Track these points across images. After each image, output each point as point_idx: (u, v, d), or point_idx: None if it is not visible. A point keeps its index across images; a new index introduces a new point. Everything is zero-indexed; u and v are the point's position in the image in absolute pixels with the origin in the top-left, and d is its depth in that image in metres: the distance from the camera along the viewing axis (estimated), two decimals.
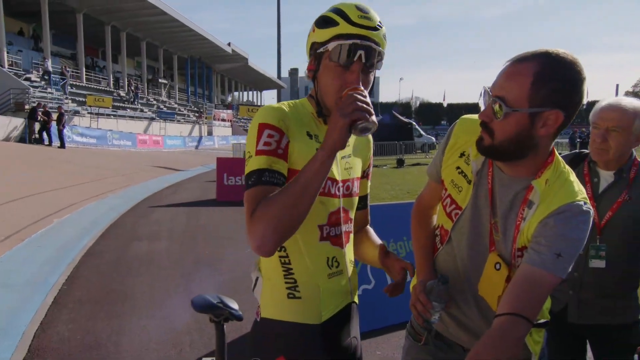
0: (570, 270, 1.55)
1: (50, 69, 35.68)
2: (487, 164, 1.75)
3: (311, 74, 1.73)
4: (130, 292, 6.13)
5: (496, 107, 1.57)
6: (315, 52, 1.68)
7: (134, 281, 6.57)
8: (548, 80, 1.51)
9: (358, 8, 1.63)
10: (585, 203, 1.59)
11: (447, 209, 1.86)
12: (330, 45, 1.62)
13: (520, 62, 1.55)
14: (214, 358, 2.60)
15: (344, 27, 1.61)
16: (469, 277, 1.80)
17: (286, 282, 1.73)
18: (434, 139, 45.84)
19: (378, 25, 1.64)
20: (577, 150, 2.71)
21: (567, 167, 1.70)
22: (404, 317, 4.92)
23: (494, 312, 1.62)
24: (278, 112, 1.67)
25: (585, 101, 1.56)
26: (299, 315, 1.73)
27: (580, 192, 1.62)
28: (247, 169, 1.62)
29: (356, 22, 1.61)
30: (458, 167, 1.82)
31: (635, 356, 2.36)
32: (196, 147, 45.15)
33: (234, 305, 2.44)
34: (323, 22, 1.66)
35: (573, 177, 1.67)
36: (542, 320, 1.76)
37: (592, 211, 1.60)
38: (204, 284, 6.50)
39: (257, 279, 1.80)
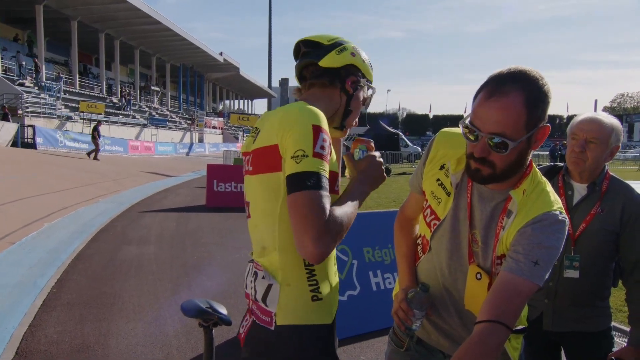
0: (547, 277, 1.59)
1: (43, 72, 35.63)
2: (467, 178, 1.79)
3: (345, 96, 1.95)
4: (119, 295, 6.15)
5: (495, 142, 1.58)
6: (358, 79, 1.95)
7: (123, 285, 6.59)
8: (538, 104, 1.57)
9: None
10: (560, 212, 1.63)
11: (427, 219, 1.91)
12: (371, 89, 2.03)
13: (506, 95, 1.56)
14: None
15: (370, 77, 2.02)
16: (449, 286, 1.85)
17: (310, 285, 1.72)
18: (419, 149, 46.04)
19: None
20: (551, 164, 2.78)
21: (543, 177, 1.75)
22: (388, 323, 4.99)
23: (474, 319, 1.65)
24: (323, 116, 1.70)
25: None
26: (322, 317, 1.74)
27: (556, 202, 1.67)
28: (304, 168, 1.59)
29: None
30: (438, 179, 1.86)
31: None
32: (187, 154, 45.12)
33: (223, 310, 2.44)
34: (368, 63, 1.99)
35: (549, 187, 1.73)
36: (520, 327, 1.79)
37: (567, 220, 1.65)
38: (192, 289, 6.53)
39: (269, 287, 1.73)
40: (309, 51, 1.92)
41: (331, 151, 1.71)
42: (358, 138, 1.90)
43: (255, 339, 1.77)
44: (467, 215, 1.78)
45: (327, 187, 1.61)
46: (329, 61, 1.87)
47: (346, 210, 1.65)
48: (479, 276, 1.73)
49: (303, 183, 1.57)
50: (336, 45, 1.89)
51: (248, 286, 1.85)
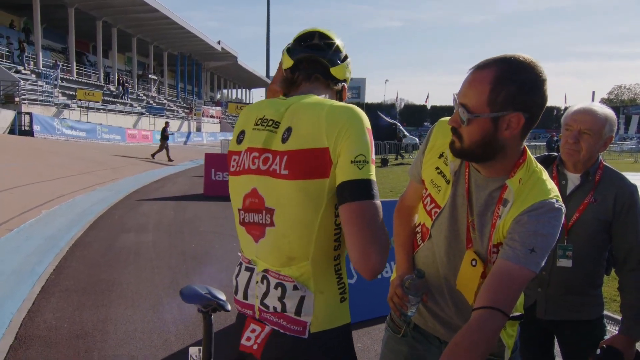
0: (543, 264, 1.60)
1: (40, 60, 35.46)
2: (464, 165, 1.81)
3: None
4: (117, 282, 6.18)
5: (460, 112, 1.64)
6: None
7: (121, 272, 6.63)
8: (506, 85, 1.56)
9: None
10: (557, 200, 1.64)
11: (427, 208, 1.92)
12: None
13: (481, 70, 1.61)
14: (200, 347, 2.62)
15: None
16: (446, 273, 1.87)
17: (339, 288, 1.68)
18: (417, 139, 46.03)
19: None
20: (546, 153, 2.79)
21: (540, 166, 1.76)
22: (384, 311, 5.02)
23: (469, 306, 1.69)
24: None
25: (547, 102, 1.63)
26: (347, 316, 1.71)
27: (553, 190, 1.68)
28: (367, 175, 1.53)
29: None
30: (437, 168, 1.87)
31: (598, 350, 2.45)
32: (185, 143, 45.02)
33: (222, 297, 2.44)
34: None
35: (545, 175, 1.73)
36: (516, 314, 1.81)
37: (563, 208, 1.65)
38: (190, 276, 6.58)
39: (302, 298, 1.62)
40: (321, 47, 1.84)
41: None
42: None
43: (284, 347, 1.65)
44: (466, 202, 1.79)
45: None
46: (339, 72, 1.85)
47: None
48: (474, 263, 1.74)
49: (369, 191, 1.52)
50: (346, 58, 1.88)
51: (251, 296, 1.74)
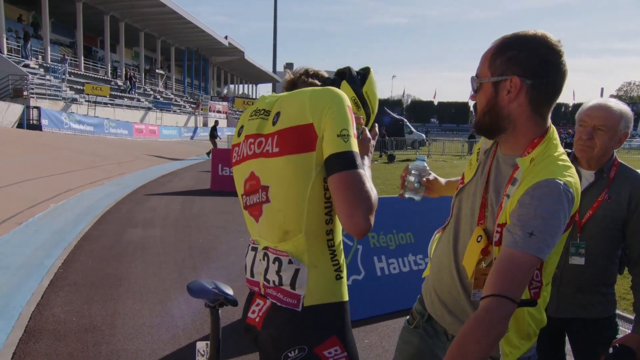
0: (551, 249, 1.56)
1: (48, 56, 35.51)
2: (495, 145, 1.86)
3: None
4: (125, 277, 6.21)
5: (472, 83, 1.79)
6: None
7: (128, 266, 6.65)
8: (504, 50, 1.68)
9: None
10: (565, 183, 1.58)
11: (458, 185, 2.00)
12: None
13: (492, 44, 1.75)
14: (208, 342, 2.62)
15: None
16: (457, 252, 1.88)
17: (333, 265, 1.79)
18: (424, 135, 45.94)
19: None
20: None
21: (561, 150, 1.72)
22: (392, 307, 5.03)
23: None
24: None
25: (563, 78, 1.65)
26: (344, 294, 1.82)
27: (564, 173, 1.62)
28: (351, 147, 1.68)
29: None
30: (478, 149, 1.96)
31: (610, 349, 2.44)
32: (191, 138, 45.18)
33: (229, 291, 2.45)
34: None
35: (563, 157, 1.69)
36: (526, 299, 1.74)
37: (572, 190, 1.59)
38: (197, 271, 6.60)
39: (297, 271, 1.75)
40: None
41: None
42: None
43: (279, 320, 1.79)
44: (485, 179, 1.82)
45: None
46: (346, 90, 1.99)
47: (372, 186, 1.72)
48: (479, 239, 1.75)
49: (354, 162, 1.66)
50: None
51: (257, 274, 1.87)
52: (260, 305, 1.86)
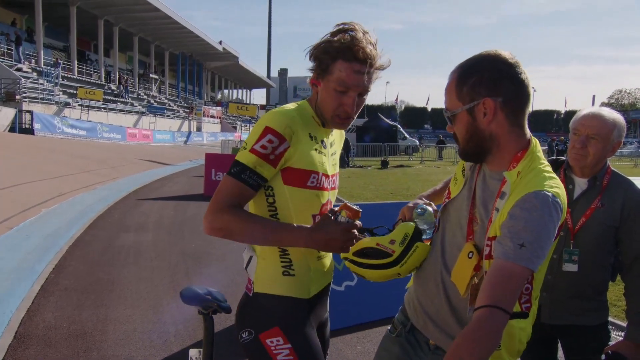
0: (542, 259, 1.58)
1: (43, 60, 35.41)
2: None
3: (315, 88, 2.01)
4: (117, 282, 6.17)
5: (446, 116, 1.83)
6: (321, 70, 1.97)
7: (121, 271, 6.61)
8: (467, 78, 1.73)
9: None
10: (553, 195, 1.61)
11: (444, 200, 2.00)
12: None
13: (450, 77, 1.80)
14: (200, 349, 2.60)
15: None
16: (444, 265, 1.87)
17: (282, 261, 1.97)
18: (417, 141, 46.03)
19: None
20: (554, 157, 2.78)
21: (545, 161, 1.75)
22: (384, 313, 5.01)
23: (460, 301, 1.76)
24: (287, 118, 1.89)
25: (530, 86, 1.70)
26: (292, 290, 1.98)
27: (551, 184, 1.65)
28: (237, 157, 1.87)
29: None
30: (463, 165, 1.98)
31: (603, 356, 2.44)
32: (185, 143, 45.12)
33: (222, 298, 2.46)
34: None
35: (548, 169, 1.72)
36: (517, 311, 1.75)
37: (559, 201, 1.62)
38: (190, 276, 6.56)
39: (250, 258, 2.02)
40: None
41: (285, 149, 1.87)
42: (346, 204, 1.93)
43: (240, 302, 2.06)
44: (472, 195, 1.83)
45: (251, 182, 1.84)
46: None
47: (251, 225, 1.86)
48: (470, 255, 1.74)
49: (230, 168, 1.86)
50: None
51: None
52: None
